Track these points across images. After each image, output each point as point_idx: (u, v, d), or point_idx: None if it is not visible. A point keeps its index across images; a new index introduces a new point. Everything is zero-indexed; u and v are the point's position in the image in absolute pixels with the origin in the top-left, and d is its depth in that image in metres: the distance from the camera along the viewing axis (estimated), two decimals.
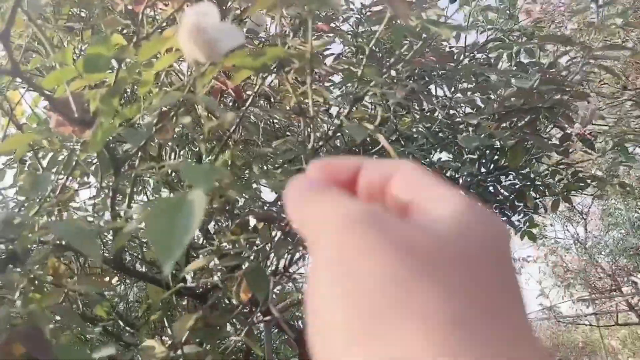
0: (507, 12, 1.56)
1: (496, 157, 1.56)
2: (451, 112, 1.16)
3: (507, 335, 0.18)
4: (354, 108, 0.90)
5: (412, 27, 0.94)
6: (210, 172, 0.39)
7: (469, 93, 1.22)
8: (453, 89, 1.23)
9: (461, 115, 1.17)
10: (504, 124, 1.11)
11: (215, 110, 0.76)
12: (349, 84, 0.96)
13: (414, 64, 0.94)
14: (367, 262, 0.19)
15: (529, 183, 1.69)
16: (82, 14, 1.13)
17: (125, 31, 0.95)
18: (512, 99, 1.23)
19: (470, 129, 1.05)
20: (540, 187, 1.70)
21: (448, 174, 1.49)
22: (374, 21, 1.02)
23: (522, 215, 1.85)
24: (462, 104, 1.11)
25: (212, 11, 0.44)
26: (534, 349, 0.19)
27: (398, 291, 0.19)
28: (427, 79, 1.22)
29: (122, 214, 0.85)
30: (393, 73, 0.91)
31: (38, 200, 0.79)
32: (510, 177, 1.67)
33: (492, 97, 1.13)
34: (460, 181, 1.61)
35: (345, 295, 0.19)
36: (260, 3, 0.59)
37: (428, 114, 1.11)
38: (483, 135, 1.00)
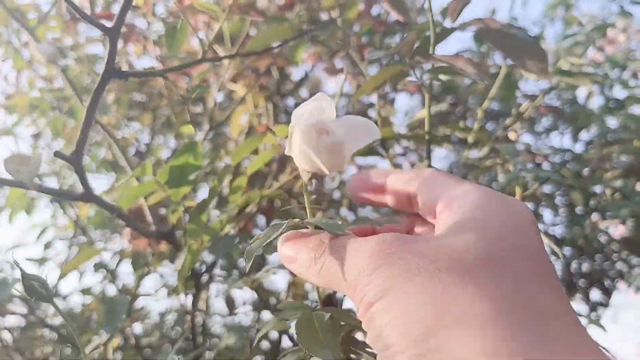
0: (594, 44, 1.40)
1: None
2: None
3: (552, 328, 0.19)
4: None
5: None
6: None
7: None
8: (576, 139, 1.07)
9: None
10: None
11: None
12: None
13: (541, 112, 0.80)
14: (408, 288, 0.21)
15: None
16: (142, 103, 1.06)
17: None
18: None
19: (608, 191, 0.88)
20: None
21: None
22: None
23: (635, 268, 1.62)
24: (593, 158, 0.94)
25: (328, 105, 0.31)
26: (585, 342, 0.19)
27: (444, 309, 0.20)
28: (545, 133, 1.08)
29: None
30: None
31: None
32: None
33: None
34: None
35: (398, 322, 0.21)
36: (369, 84, 0.46)
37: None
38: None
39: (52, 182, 1.07)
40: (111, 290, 0.91)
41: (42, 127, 0.84)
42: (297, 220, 0.30)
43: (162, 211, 0.71)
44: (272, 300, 0.89)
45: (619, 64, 1.43)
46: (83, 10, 0.39)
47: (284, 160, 0.72)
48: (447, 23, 0.51)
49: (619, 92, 1.51)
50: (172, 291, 0.76)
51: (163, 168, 0.50)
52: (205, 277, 0.74)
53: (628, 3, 1.32)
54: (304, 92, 1.23)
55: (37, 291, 0.36)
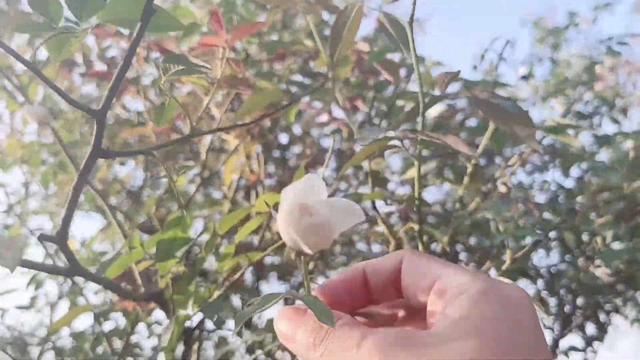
0: (585, 81, 1.42)
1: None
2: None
3: None
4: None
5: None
6: None
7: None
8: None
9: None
10: None
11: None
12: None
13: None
14: None
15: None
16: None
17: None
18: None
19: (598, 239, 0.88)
20: None
21: None
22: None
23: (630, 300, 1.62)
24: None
25: (319, 185, 0.31)
26: None
27: None
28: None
29: None
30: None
31: None
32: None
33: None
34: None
35: None
36: (359, 156, 0.47)
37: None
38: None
39: (44, 221, 1.06)
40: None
41: (32, 178, 0.84)
42: (292, 292, 0.29)
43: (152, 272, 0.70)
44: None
45: (607, 101, 1.45)
46: (67, 94, 0.40)
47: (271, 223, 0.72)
48: (436, 92, 0.52)
49: (608, 128, 1.53)
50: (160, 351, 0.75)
51: (150, 239, 0.50)
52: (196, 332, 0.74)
53: (615, 43, 1.34)
54: (296, 128, 1.24)
55: None
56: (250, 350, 0.93)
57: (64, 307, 1.04)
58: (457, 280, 0.27)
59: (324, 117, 1.03)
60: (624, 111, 1.50)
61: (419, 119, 0.49)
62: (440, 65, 0.90)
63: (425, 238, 0.61)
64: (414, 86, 1.01)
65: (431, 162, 0.86)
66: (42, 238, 0.41)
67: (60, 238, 0.42)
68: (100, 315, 0.87)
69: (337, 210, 0.31)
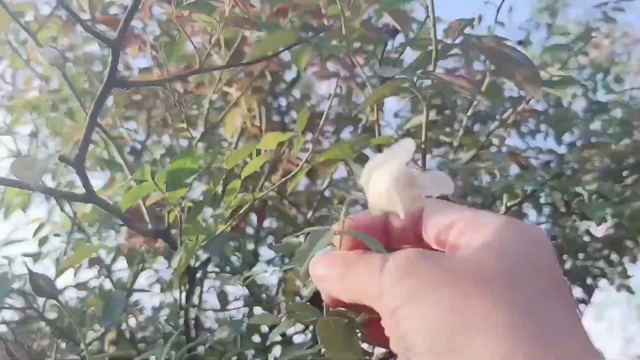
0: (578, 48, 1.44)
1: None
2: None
3: (558, 337, 0.22)
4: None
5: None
6: None
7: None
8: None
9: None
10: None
11: None
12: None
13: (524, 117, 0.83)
14: (432, 296, 0.24)
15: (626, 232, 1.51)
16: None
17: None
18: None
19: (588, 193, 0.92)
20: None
21: None
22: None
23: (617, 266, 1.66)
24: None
25: (410, 150, 0.31)
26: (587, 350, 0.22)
27: (464, 316, 0.22)
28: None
29: None
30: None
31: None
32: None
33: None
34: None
35: (422, 326, 0.23)
36: (373, 96, 0.49)
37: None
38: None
39: (47, 180, 1.09)
40: (107, 285, 0.94)
41: (40, 127, 0.86)
42: (336, 227, 0.31)
43: (158, 210, 0.73)
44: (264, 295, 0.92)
45: (603, 68, 1.47)
46: (84, 20, 0.42)
47: (275, 163, 0.75)
48: (448, 40, 0.54)
49: (602, 96, 1.56)
50: (168, 286, 0.78)
51: (161, 171, 0.53)
52: (198, 274, 0.77)
53: (611, 9, 1.35)
54: (296, 92, 1.26)
55: (43, 289, 0.39)
56: (248, 304, 0.97)
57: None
58: (479, 217, 0.28)
59: (320, 72, 1.04)
60: (619, 79, 1.52)
61: (431, 67, 0.51)
62: (442, 21, 0.91)
63: None
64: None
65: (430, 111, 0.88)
66: (62, 160, 0.43)
67: (78, 162, 0.45)
68: (104, 265, 0.90)
69: (435, 182, 0.30)
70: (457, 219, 0.28)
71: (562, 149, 1.29)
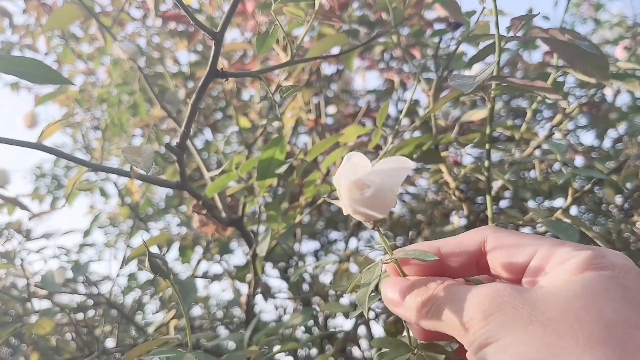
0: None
1: None
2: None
3: None
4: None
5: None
6: None
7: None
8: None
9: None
10: None
11: None
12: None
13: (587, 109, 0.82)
14: (522, 334, 0.23)
15: None
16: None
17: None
18: None
19: None
20: None
21: None
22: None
23: None
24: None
25: (361, 160, 0.31)
26: None
27: (557, 356, 0.21)
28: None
29: None
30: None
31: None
32: None
33: None
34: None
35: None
36: (441, 102, 0.50)
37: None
38: None
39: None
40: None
41: (106, 120, 0.88)
42: (387, 257, 0.31)
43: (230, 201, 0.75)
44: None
45: None
46: (189, 13, 0.43)
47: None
48: (512, 34, 0.54)
49: None
50: (240, 274, 0.80)
51: (245, 162, 0.55)
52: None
53: None
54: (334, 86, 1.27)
55: (160, 268, 0.41)
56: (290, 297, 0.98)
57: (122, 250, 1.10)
58: (559, 248, 0.27)
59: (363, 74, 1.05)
60: None
61: (494, 61, 0.52)
62: (502, 13, 0.91)
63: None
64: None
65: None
66: (168, 147, 0.45)
67: (180, 150, 0.47)
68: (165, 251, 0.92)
69: (387, 171, 0.31)
70: (534, 250, 0.27)
71: (606, 145, 1.28)
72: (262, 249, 0.53)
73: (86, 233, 1.12)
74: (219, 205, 0.67)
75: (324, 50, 0.69)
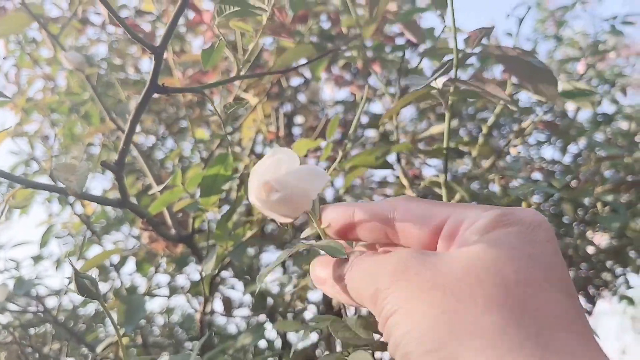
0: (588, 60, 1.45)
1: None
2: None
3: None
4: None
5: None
6: None
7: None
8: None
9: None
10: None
11: None
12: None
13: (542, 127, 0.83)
14: (423, 301, 0.22)
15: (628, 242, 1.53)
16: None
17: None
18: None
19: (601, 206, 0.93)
20: None
21: None
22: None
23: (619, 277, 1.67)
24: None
25: (287, 157, 0.31)
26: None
27: (456, 321, 0.21)
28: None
29: None
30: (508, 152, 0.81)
31: None
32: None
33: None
34: None
35: (413, 333, 0.22)
36: (397, 106, 0.50)
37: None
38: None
39: (44, 180, 1.08)
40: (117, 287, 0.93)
41: (56, 129, 0.85)
42: (304, 244, 0.31)
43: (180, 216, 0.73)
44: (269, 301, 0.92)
45: (608, 80, 1.49)
46: (131, 30, 0.42)
47: None
48: (468, 49, 0.54)
49: (607, 107, 1.57)
50: (192, 290, 0.78)
51: (192, 177, 0.53)
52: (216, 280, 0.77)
53: (619, 22, 1.37)
54: (301, 97, 1.26)
55: (88, 289, 0.39)
56: (254, 308, 0.97)
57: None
58: (469, 211, 0.26)
59: (336, 81, 1.05)
60: (624, 91, 1.54)
61: (453, 72, 0.52)
62: (460, 30, 0.92)
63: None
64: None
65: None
66: (103, 165, 0.43)
67: (118, 168, 0.45)
68: (114, 268, 0.89)
69: (302, 177, 0.30)
70: (446, 216, 0.26)
71: (566, 160, 1.30)
72: (208, 268, 0.51)
73: (42, 244, 1.08)
74: (169, 221, 0.65)
75: (290, 62, 0.68)
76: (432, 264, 0.24)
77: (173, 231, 0.65)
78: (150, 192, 0.60)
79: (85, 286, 0.39)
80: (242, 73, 0.56)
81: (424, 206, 0.28)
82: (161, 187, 0.53)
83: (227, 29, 0.51)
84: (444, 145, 0.54)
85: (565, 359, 0.20)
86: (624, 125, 1.47)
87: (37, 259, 1.11)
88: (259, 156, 1.09)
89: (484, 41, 0.57)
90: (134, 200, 1.10)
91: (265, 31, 0.50)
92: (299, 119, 1.25)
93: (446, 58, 0.57)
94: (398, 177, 0.75)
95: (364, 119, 1.14)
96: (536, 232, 0.24)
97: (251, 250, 0.91)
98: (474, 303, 0.21)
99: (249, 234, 0.58)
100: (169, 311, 0.95)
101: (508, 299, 0.21)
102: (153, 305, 1.03)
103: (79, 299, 1.07)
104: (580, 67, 1.48)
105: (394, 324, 0.23)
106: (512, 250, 0.23)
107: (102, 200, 0.48)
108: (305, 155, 0.58)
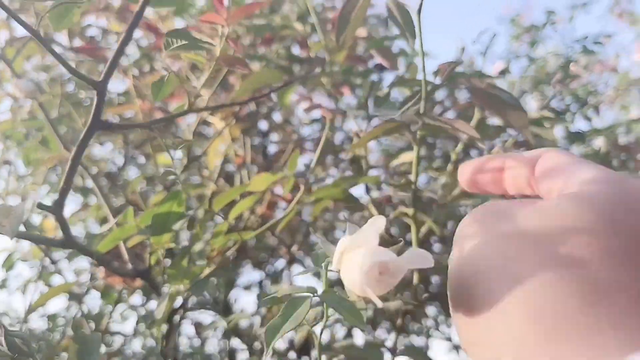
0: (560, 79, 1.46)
1: None
2: None
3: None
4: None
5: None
6: None
7: None
8: None
9: None
10: None
11: None
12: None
13: None
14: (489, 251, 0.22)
15: None
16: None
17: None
18: None
19: None
20: None
21: None
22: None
23: None
24: None
25: (380, 227, 0.29)
26: None
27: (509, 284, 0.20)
28: None
29: None
30: None
31: None
32: None
33: None
34: None
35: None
36: (366, 137, 0.48)
37: None
38: None
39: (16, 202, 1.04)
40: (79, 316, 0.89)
41: (11, 156, 0.82)
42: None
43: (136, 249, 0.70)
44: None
45: (581, 98, 1.50)
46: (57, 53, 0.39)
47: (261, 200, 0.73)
48: (437, 80, 0.53)
49: (580, 125, 1.58)
50: (149, 328, 0.75)
51: (145, 213, 0.51)
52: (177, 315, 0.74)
53: (591, 42, 1.39)
54: (276, 116, 1.24)
55: (19, 348, 0.36)
56: (226, 335, 0.94)
57: (38, 289, 1.02)
58: (576, 166, 0.25)
59: (306, 105, 1.04)
60: (596, 109, 1.55)
61: (421, 105, 0.50)
62: (429, 56, 0.91)
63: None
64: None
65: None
66: (40, 207, 0.41)
67: (57, 208, 0.42)
68: (77, 297, 0.86)
69: (412, 262, 0.28)
70: (535, 159, 0.27)
71: None
72: (160, 311, 0.48)
73: (7, 268, 1.04)
74: (125, 255, 0.62)
75: (255, 87, 0.66)
76: (510, 214, 0.23)
77: (130, 265, 0.62)
78: (102, 229, 0.57)
79: (15, 345, 0.36)
80: (205, 97, 0.54)
81: (564, 159, 0.26)
82: (113, 222, 0.50)
83: (177, 59, 0.49)
84: (413, 178, 0.53)
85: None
86: (598, 142, 1.48)
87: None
88: (230, 176, 1.07)
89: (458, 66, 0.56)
90: (98, 225, 1.07)
91: (219, 63, 0.48)
92: (275, 137, 1.23)
93: (416, 88, 0.56)
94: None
95: (340, 137, 1.13)
96: (635, 200, 0.22)
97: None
98: (542, 278, 0.20)
99: (206, 271, 0.56)
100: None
101: (586, 280, 0.19)
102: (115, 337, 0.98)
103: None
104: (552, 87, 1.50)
105: (450, 259, 0.25)
106: (603, 216, 0.21)
107: (43, 241, 0.45)
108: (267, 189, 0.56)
